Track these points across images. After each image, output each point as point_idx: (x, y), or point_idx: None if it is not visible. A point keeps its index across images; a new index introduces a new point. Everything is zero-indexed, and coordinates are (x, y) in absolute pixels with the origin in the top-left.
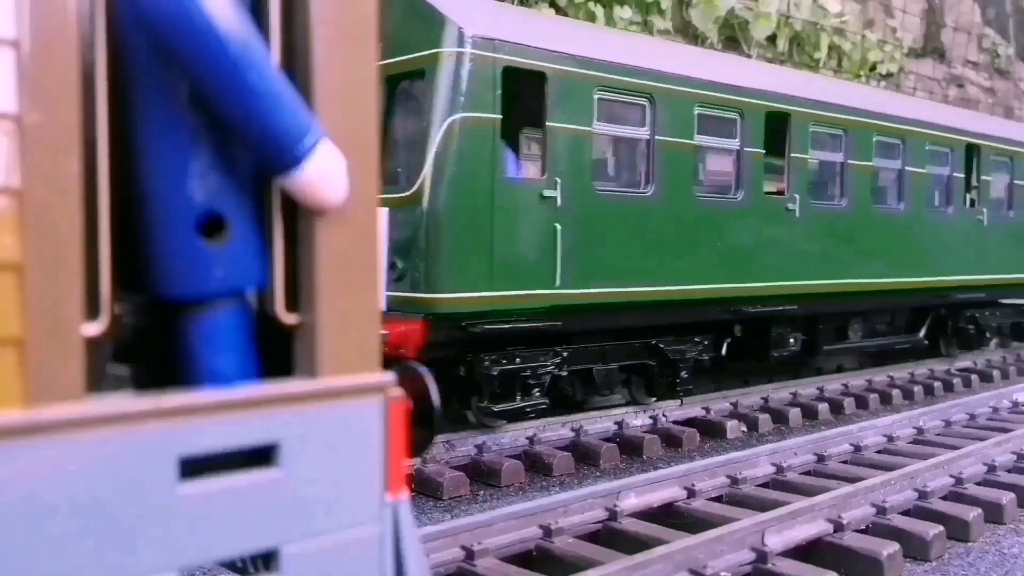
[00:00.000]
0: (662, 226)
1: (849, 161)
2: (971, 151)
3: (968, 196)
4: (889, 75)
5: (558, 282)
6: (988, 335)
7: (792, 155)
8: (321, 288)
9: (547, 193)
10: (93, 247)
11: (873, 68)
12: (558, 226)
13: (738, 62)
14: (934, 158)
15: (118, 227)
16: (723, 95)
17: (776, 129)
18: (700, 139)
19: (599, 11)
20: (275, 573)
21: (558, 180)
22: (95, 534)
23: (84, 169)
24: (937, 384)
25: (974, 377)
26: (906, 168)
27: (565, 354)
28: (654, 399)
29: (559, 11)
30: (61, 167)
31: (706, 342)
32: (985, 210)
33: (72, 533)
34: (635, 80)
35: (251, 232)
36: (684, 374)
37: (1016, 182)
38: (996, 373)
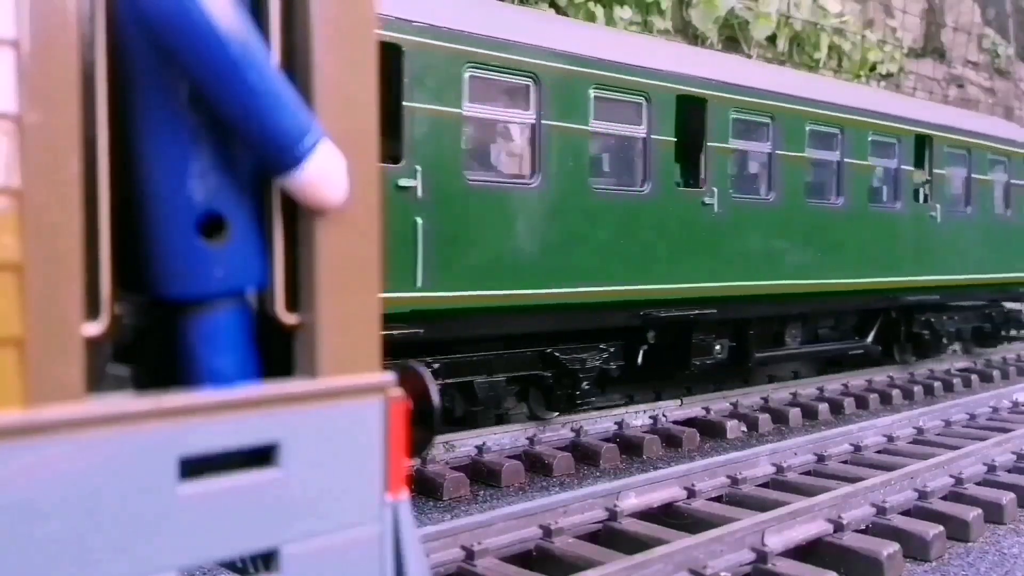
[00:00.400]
0: (550, 221)
1: (778, 152)
2: (922, 142)
3: (922, 191)
4: (889, 75)
5: (419, 283)
6: (945, 341)
7: (709, 144)
8: (321, 288)
9: (404, 183)
10: (93, 247)
11: (873, 68)
12: (419, 220)
13: (647, 41)
14: (878, 149)
15: (118, 227)
16: (624, 76)
17: (692, 116)
18: (597, 125)
19: (599, 11)
20: (275, 573)
21: (418, 168)
22: (95, 534)
23: (84, 169)
24: (937, 384)
25: (974, 377)
26: (845, 160)
27: (436, 365)
28: (556, 414)
29: (559, 11)
30: (61, 167)
31: (612, 350)
32: (939, 206)
33: (72, 533)
34: (515, 57)
35: (251, 232)
36: (585, 385)
37: (974, 176)
38: (996, 373)
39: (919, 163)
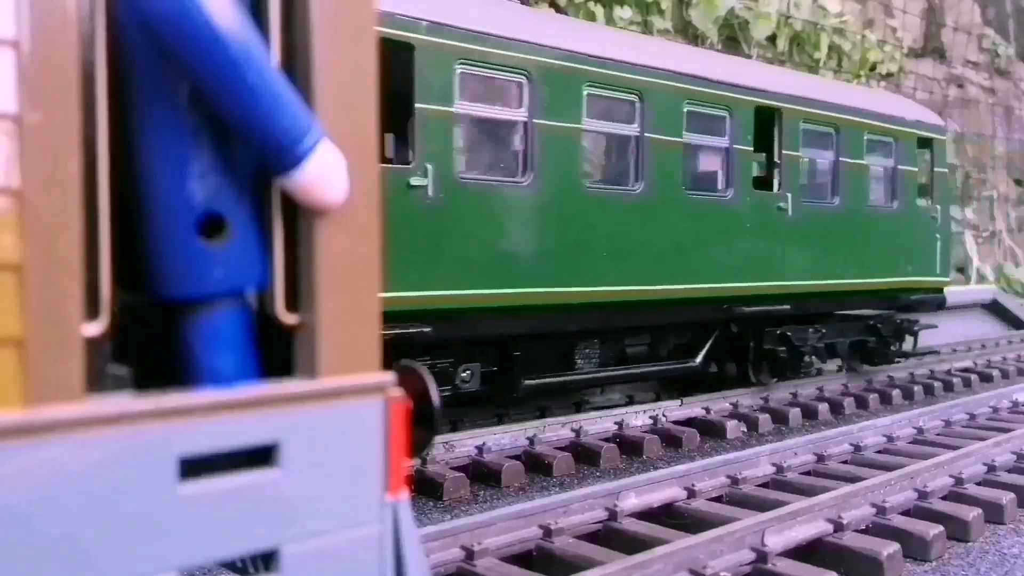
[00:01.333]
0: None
1: (539, 121)
2: (768, 116)
3: (776, 177)
4: (889, 75)
5: None
6: (810, 359)
7: (421, 107)
8: (321, 288)
9: None
10: (93, 247)
11: (873, 68)
12: None
13: None
14: (699, 123)
15: (118, 227)
16: None
17: (398, 69)
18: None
19: (599, 11)
20: (275, 573)
21: None
22: (95, 534)
23: (84, 169)
24: (937, 384)
25: (974, 377)
26: (647, 135)
27: None
28: None
29: (559, 10)
30: (61, 167)
31: None
32: (790, 195)
33: (72, 533)
34: None
35: (251, 232)
36: None
37: (843, 160)
38: (996, 373)
39: (765, 143)
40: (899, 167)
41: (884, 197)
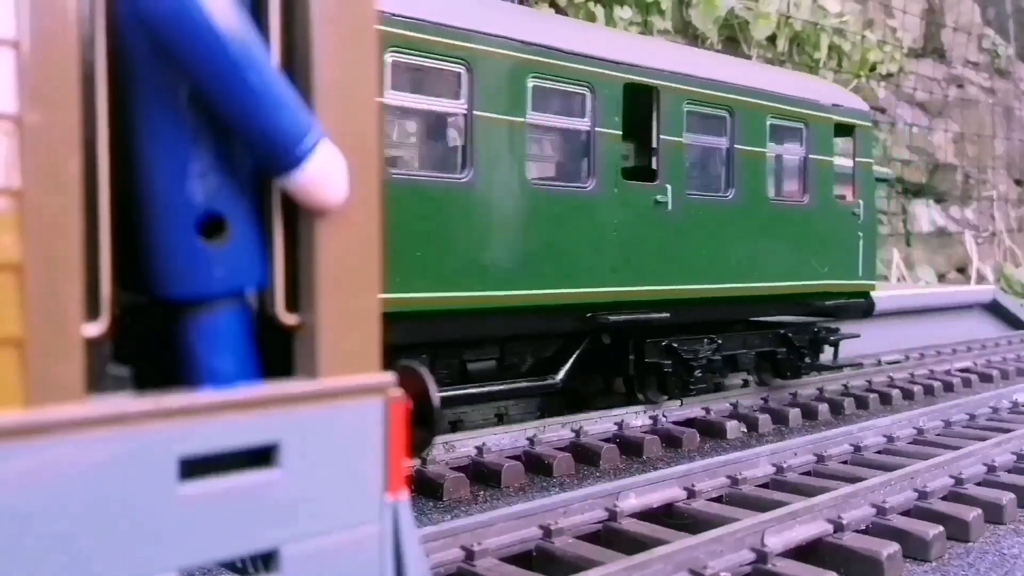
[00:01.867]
0: None
1: None
2: (641, 95)
3: (654, 166)
4: (889, 75)
5: None
6: (699, 372)
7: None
8: (321, 288)
9: None
10: (93, 247)
11: (873, 68)
12: None
13: None
14: (549, 103)
15: (118, 227)
16: None
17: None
18: None
19: (599, 11)
20: (275, 573)
21: None
22: (95, 534)
23: (84, 169)
24: (937, 384)
25: (974, 377)
26: (476, 113)
27: None
28: None
29: (559, 11)
30: (61, 167)
31: None
32: (670, 187)
33: (72, 533)
34: None
35: (251, 232)
36: None
37: (740, 147)
38: (996, 373)
39: (640, 126)
40: (811, 156)
41: (792, 190)
